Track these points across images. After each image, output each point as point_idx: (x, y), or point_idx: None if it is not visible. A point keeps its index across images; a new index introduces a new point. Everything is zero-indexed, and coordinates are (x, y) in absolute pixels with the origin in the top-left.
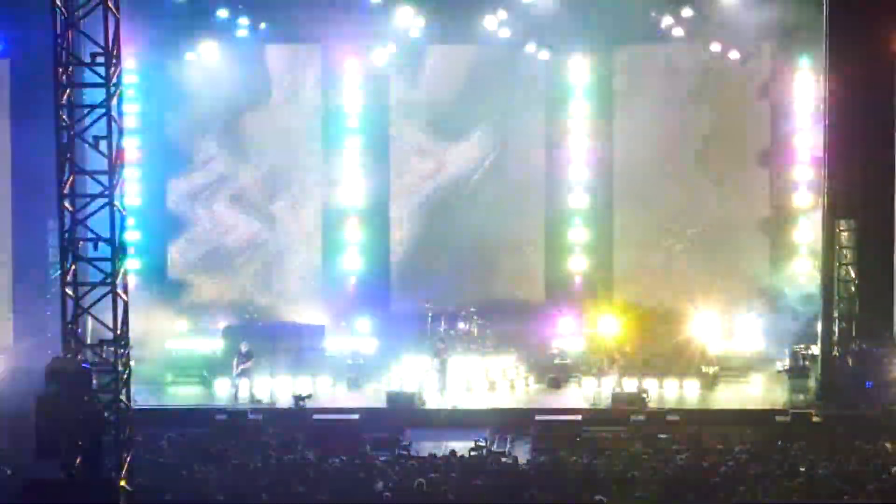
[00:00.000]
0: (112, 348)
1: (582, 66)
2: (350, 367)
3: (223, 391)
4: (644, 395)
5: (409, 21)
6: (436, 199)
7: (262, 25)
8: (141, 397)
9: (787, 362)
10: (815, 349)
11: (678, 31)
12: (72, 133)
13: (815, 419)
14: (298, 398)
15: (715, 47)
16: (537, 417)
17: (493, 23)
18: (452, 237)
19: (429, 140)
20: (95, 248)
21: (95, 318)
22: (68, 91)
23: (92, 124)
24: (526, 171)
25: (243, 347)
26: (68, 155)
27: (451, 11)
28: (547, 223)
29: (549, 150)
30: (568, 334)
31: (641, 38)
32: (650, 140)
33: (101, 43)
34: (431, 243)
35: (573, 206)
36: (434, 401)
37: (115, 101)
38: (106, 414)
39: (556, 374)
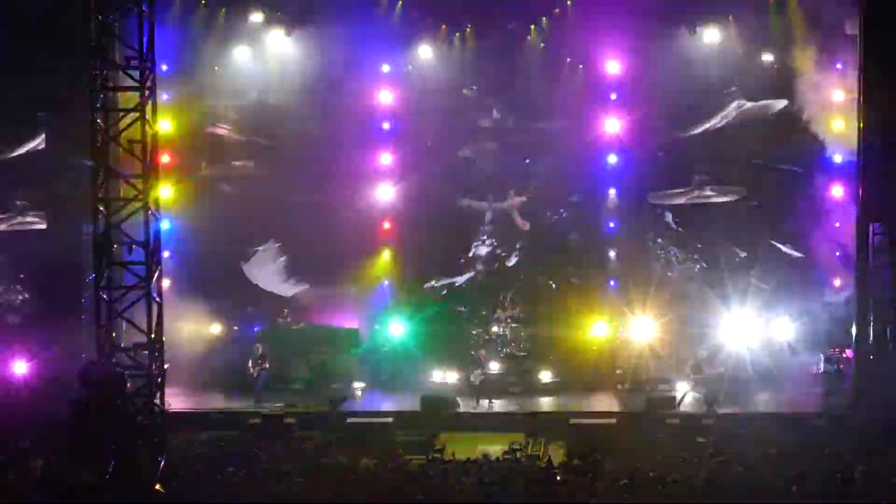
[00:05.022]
0: (146, 352)
1: None
2: (384, 370)
3: (250, 394)
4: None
5: None
6: None
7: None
8: (175, 401)
9: (822, 365)
10: (850, 352)
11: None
12: (106, 136)
13: (850, 422)
14: (333, 402)
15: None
16: (571, 421)
17: None
18: None
19: None
20: (130, 251)
21: (130, 322)
22: (103, 94)
23: (126, 128)
24: None
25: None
26: (103, 158)
27: None
28: None
29: None
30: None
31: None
32: None
33: (136, 47)
34: None
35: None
36: (469, 405)
37: (149, 105)
38: (140, 417)
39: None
